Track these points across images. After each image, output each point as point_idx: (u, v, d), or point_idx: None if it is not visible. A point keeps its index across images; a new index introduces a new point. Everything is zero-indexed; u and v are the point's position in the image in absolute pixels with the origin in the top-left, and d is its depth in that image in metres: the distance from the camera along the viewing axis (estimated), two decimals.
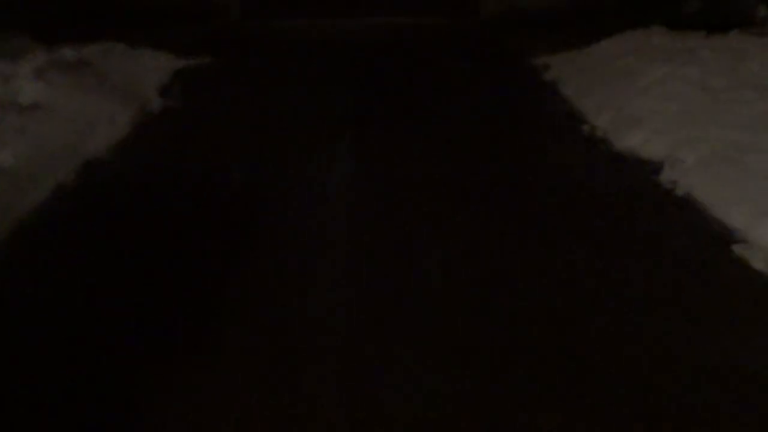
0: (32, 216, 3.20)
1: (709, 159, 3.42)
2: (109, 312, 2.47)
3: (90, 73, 4.72)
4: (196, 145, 4.27)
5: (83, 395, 2.04)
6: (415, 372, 2.10)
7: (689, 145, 3.59)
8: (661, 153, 3.72)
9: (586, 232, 3.06)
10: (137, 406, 1.99)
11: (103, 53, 5.26)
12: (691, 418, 1.91)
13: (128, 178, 3.80)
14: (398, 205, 3.40)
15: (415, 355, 2.18)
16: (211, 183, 3.68)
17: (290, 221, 3.22)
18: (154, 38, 6.35)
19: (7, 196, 3.21)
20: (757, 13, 6.34)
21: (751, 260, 2.69)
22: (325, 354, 2.20)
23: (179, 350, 2.24)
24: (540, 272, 2.71)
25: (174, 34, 6.90)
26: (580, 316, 2.40)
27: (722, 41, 5.06)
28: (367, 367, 2.13)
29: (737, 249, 2.78)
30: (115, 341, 2.28)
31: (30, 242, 3.01)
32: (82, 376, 2.11)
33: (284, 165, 3.91)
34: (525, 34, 7.61)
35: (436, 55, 7.01)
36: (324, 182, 3.70)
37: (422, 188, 3.61)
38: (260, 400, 1.99)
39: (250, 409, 1.97)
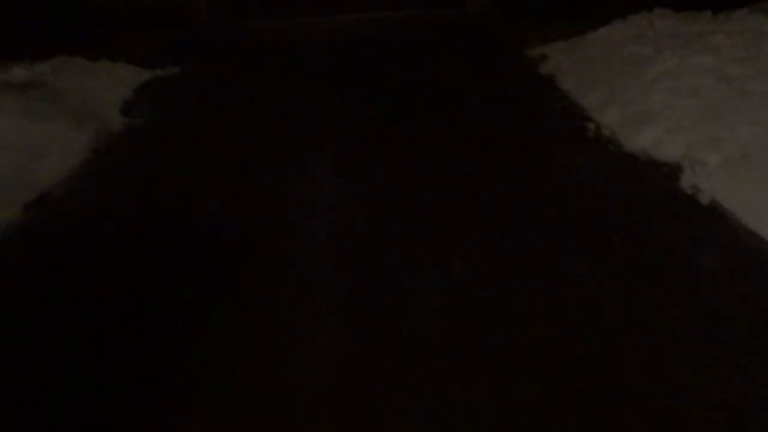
0: None
1: (734, 160, 3.10)
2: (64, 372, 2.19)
3: (41, 93, 4.37)
4: (162, 170, 3.92)
5: None
6: (417, 390, 2.04)
7: (710, 145, 3.27)
8: (678, 154, 3.40)
9: (598, 247, 2.75)
10: None
11: (56, 70, 4.91)
12: None
13: (82, 214, 3.44)
14: (393, 215, 3.15)
15: (415, 369, 2.13)
16: (180, 216, 3.34)
17: (272, 257, 2.89)
18: (116, 48, 6.00)
19: None
20: None
21: None
22: (321, 365, 2.17)
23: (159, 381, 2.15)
24: (545, 294, 2.43)
25: (138, 42, 6.54)
26: (591, 347, 2.14)
27: (733, 23, 4.73)
28: (364, 377, 2.10)
29: None
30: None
31: None
32: None
33: (264, 188, 3.58)
34: (517, 24, 7.31)
35: (425, 52, 6.70)
36: (311, 203, 3.38)
37: (416, 197, 3.33)
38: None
39: None
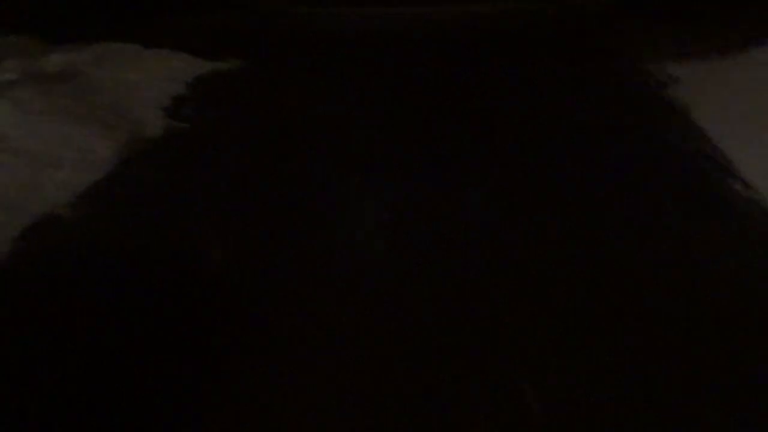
0: None
1: None
2: None
3: (72, 87, 3.88)
4: (189, 192, 3.34)
5: None
6: None
7: None
8: None
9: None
10: None
11: (99, 58, 4.42)
12: None
13: (89, 248, 2.89)
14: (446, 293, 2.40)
15: None
16: (193, 262, 2.72)
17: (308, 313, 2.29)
18: (174, 32, 5.48)
19: None
20: None
21: None
22: None
23: None
24: None
25: (199, 27, 5.99)
26: None
27: None
28: None
29: None
30: None
31: None
32: None
33: (301, 230, 2.93)
34: (638, 29, 6.23)
35: (517, 57, 5.76)
36: (350, 256, 2.73)
37: (481, 273, 2.55)
38: None
39: None
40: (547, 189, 3.26)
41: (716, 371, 1.99)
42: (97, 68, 4.26)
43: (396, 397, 1.94)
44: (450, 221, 2.95)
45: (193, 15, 6.30)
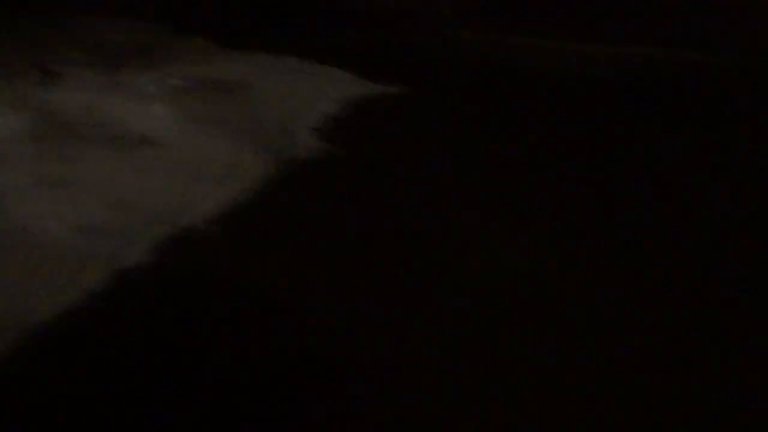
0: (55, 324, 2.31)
1: None
2: None
3: (234, 99, 3.89)
4: (331, 227, 3.18)
5: None
6: None
7: None
8: None
9: None
10: None
11: (266, 70, 4.43)
12: None
13: (216, 271, 2.81)
14: None
15: None
16: (328, 306, 2.57)
17: None
18: (333, 49, 5.42)
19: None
20: None
21: None
22: None
23: None
24: None
25: (372, 44, 5.89)
26: None
27: None
28: None
29: None
30: None
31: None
32: None
33: (440, 284, 2.72)
34: None
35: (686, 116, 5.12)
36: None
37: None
38: None
39: None
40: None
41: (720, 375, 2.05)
42: (260, 81, 4.27)
43: None
44: (592, 276, 2.73)
45: (364, 33, 6.25)
